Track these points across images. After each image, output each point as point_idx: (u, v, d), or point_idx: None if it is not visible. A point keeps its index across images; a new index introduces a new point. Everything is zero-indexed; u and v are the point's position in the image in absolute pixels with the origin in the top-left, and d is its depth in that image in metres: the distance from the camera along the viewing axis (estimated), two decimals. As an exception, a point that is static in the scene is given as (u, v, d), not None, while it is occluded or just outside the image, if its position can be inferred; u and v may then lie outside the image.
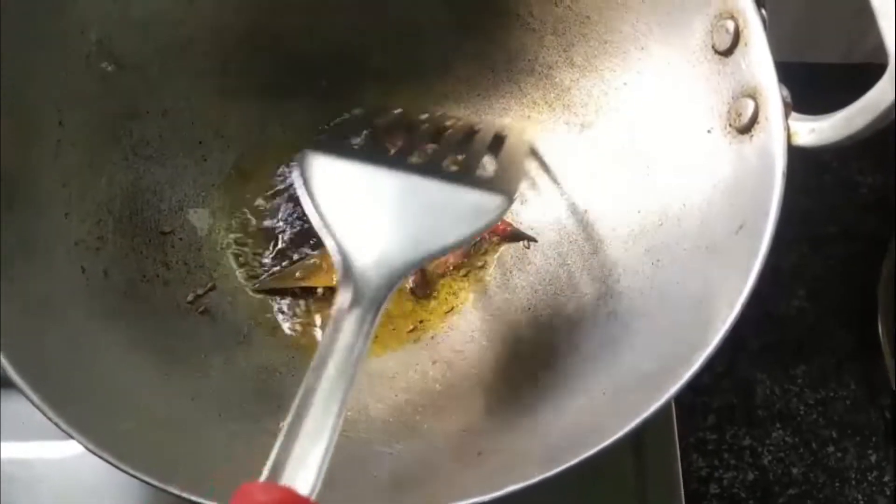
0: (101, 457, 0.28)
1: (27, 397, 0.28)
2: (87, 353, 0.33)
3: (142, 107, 0.40)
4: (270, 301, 0.42)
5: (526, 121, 0.45)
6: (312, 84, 0.46)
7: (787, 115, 0.32)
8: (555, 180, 0.44)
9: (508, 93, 0.45)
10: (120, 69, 0.39)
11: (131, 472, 0.28)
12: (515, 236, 0.44)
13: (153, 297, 0.38)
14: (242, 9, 0.42)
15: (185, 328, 0.38)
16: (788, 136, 0.31)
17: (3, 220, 0.32)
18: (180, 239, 0.41)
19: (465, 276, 0.43)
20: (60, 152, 0.36)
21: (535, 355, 0.37)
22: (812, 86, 0.32)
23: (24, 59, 0.35)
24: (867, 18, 0.28)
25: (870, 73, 0.29)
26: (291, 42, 0.44)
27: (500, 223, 0.43)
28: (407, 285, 0.42)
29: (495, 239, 0.44)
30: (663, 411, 0.28)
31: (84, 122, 0.38)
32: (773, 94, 0.32)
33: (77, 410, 0.28)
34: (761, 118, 0.32)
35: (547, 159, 0.44)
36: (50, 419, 0.28)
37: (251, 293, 0.42)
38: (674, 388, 0.29)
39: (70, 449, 0.40)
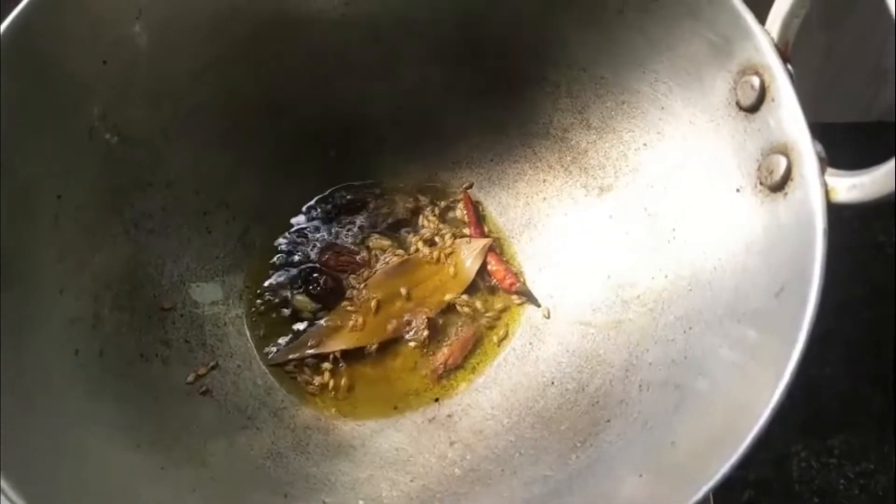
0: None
1: (10, 500, 0.26)
2: (77, 448, 0.30)
3: (145, 178, 0.39)
4: (274, 378, 0.40)
5: (541, 184, 0.44)
6: (321, 154, 0.45)
7: (822, 171, 0.30)
8: (573, 246, 0.42)
9: (522, 157, 0.44)
10: (124, 141, 0.38)
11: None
12: (524, 294, 0.42)
13: (151, 377, 0.36)
14: (247, 81, 0.41)
15: (185, 412, 0.36)
16: (826, 193, 0.30)
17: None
18: (181, 315, 0.39)
19: (483, 347, 0.41)
20: (58, 227, 0.34)
21: (563, 433, 0.34)
22: (833, 146, 0.31)
23: (24, 132, 0.33)
24: (884, 78, 0.27)
25: (887, 130, 0.27)
26: (298, 112, 0.43)
27: (508, 278, 0.42)
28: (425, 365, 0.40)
29: (513, 298, 0.42)
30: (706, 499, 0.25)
31: (84, 195, 0.36)
32: (806, 149, 0.30)
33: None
34: (795, 175, 0.31)
35: (564, 225, 0.42)
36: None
37: (260, 368, 0.40)
38: (719, 474, 0.26)
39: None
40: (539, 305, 0.42)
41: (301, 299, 0.42)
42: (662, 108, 0.38)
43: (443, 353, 0.41)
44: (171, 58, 0.38)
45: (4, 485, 0.25)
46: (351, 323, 0.41)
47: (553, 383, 0.38)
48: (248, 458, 0.35)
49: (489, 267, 0.43)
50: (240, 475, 0.33)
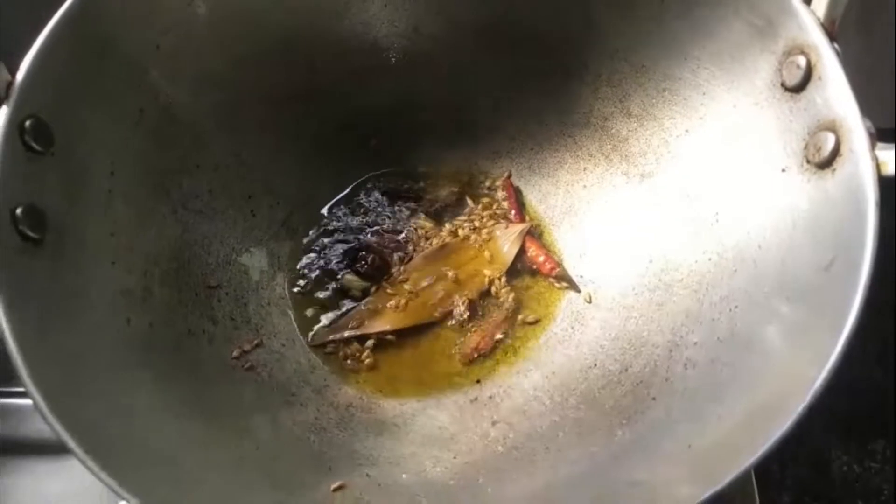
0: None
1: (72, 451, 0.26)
2: (127, 411, 0.31)
3: (192, 160, 0.40)
4: (317, 357, 0.40)
5: (581, 173, 0.44)
6: (362, 142, 0.46)
7: (873, 146, 0.30)
8: (614, 232, 0.42)
9: (562, 146, 0.44)
10: (172, 124, 0.39)
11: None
12: (564, 278, 0.42)
13: (198, 352, 0.36)
14: (289, 71, 0.42)
15: (230, 387, 0.36)
16: (878, 167, 0.29)
17: (51, 269, 0.31)
18: (227, 293, 0.40)
19: (523, 331, 0.41)
20: (110, 203, 0.35)
21: (608, 412, 0.34)
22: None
23: (79, 111, 0.34)
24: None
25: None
26: (340, 102, 0.44)
27: (548, 263, 0.42)
28: (459, 349, 0.41)
29: (554, 284, 0.42)
30: (746, 474, 0.25)
31: (135, 174, 0.37)
32: (856, 124, 0.30)
33: (120, 477, 0.26)
34: (844, 150, 0.31)
35: (605, 211, 0.42)
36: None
37: (303, 347, 0.40)
38: (764, 447, 0.26)
39: None
40: (579, 291, 0.42)
41: (350, 278, 0.42)
42: (704, 94, 0.38)
43: (474, 339, 0.41)
44: (219, 43, 0.39)
45: (61, 431, 0.26)
46: (392, 304, 0.41)
47: (595, 365, 0.38)
48: (291, 432, 0.35)
49: (529, 252, 0.43)
50: (284, 448, 0.34)
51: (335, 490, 0.31)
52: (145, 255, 0.36)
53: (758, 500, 0.41)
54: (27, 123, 0.32)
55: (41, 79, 0.32)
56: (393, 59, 0.44)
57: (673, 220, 0.39)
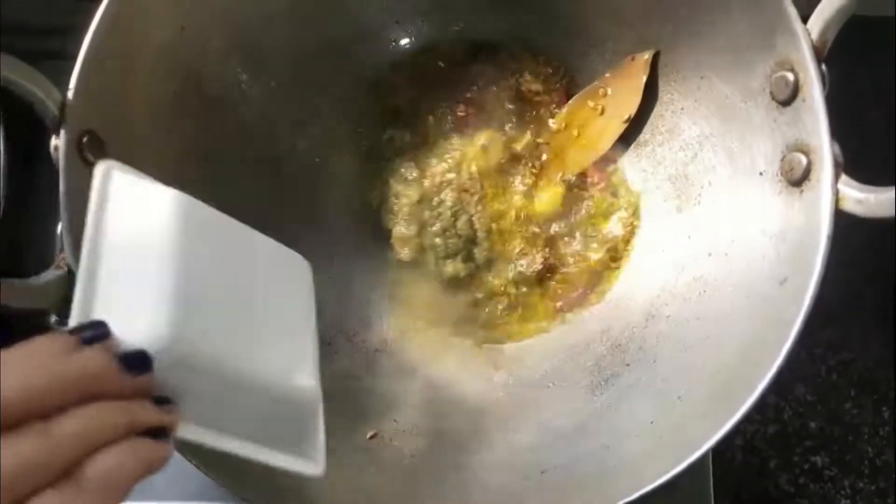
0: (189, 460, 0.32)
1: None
2: None
3: (223, 130, 0.43)
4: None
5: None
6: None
7: (837, 177, 0.34)
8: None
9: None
10: (202, 99, 0.41)
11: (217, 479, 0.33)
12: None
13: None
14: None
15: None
16: (837, 200, 0.34)
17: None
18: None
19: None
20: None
21: (589, 370, 0.41)
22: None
23: (123, 112, 0.37)
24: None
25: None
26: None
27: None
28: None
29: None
30: (704, 459, 0.32)
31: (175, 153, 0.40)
32: (826, 156, 0.34)
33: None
34: (813, 177, 0.34)
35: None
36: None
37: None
38: (713, 439, 0.32)
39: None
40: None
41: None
42: (702, 78, 0.41)
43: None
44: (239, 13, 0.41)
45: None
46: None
47: (584, 319, 0.44)
48: (327, 380, 0.42)
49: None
50: (325, 398, 0.41)
51: (371, 438, 0.39)
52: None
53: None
54: (84, 140, 0.35)
55: (89, 93, 0.35)
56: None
57: (661, 191, 0.44)
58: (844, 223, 0.58)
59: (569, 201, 0.46)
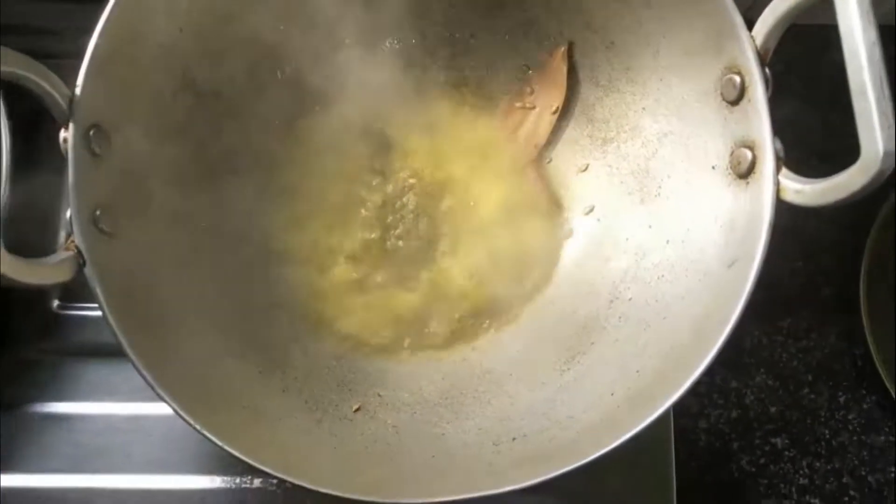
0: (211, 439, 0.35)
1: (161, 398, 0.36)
2: (189, 353, 0.40)
3: (220, 124, 0.46)
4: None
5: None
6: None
7: (778, 170, 0.37)
8: (575, 186, 0.49)
9: (538, 103, 0.51)
10: (197, 96, 0.44)
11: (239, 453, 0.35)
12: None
13: (242, 298, 0.45)
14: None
15: (266, 325, 0.46)
16: (778, 191, 0.37)
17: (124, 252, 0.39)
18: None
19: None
20: (161, 178, 0.42)
21: (557, 348, 0.45)
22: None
23: (127, 107, 0.40)
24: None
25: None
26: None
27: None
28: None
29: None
30: (664, 418, 0.35)
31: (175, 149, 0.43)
32: (768, 153, 0.37)
33: (205, 415, 0.36)
34: (757, 170, 0.38)
35: (569, 166, 0.50)
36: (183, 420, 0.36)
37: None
38: (671, 399, 0.36)
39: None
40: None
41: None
42: (661, 80, 0.44)
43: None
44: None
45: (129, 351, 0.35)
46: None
47: (553, 302, 0.48)
48: (318, 360, 0.45)
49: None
50: (314, 375, 0.44)
51: (356, 410, 0.42)
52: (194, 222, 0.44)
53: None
54: (91, 133, 0.38)
55: (95, 89, 0.37)
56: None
57: (624, 185, 0.47)
58: (804, 220, 0.63)
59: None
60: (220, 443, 0.35)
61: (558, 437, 0.38)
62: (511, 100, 0.51)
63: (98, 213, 0.38)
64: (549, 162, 0.50)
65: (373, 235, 0.48)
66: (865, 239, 0.60)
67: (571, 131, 0.50)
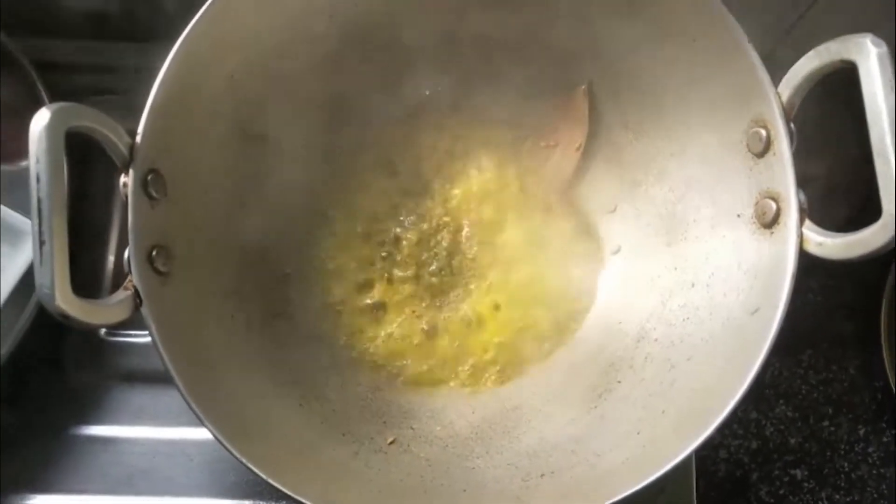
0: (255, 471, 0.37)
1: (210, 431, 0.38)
2: (231, 385, 0.42)
3: (266, 165, 0.48)
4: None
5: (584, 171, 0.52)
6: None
7: (801, 222, 0.39)
8: (604, 226, 0.51)
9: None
10: (245, 139, 0.46)
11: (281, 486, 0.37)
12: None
13: (282, 332, 0.48)
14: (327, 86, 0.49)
15: (306, 356, 0.47)
16: (801, 242, 0.39)
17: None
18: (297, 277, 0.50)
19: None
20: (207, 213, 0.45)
21: (585, 386, 0.46)
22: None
23: (184, 153, 0.42)
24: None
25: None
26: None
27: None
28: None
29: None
30: (687, 463, 0.37)
31: (223, 187, 0.46)
32: (792, 206, 0.39)
33: (249, 447, 0.38)
34: (781, 221, 0.39)
35: (598, 207, 0.51)
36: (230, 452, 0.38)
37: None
38: (695, 442, 0.37)
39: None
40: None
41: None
42: (689, 129, 0.46)
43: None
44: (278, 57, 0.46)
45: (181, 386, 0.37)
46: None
47: (583, 341, 0.49)
48: (356, 392, 0.47)
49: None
50: (351, 407, 0.46)
51: (391, 443, 0.44)
52: (241, 258, 0.46)
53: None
54: (149, 178, 0.40)
55: (154, 136, 0.39)
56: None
57: (652, 227, 0.49)
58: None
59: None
60: (264, 476, 0.37)
61: (586, 475, 0.40)
62: (536, 139, 0.52)
63: (154, 253, 0.40)
64: (578, 201, 0.52)
65: (408, 273, 0.50)
66: (886, 274, 0.61)
67: (602, 173, 0.51)
